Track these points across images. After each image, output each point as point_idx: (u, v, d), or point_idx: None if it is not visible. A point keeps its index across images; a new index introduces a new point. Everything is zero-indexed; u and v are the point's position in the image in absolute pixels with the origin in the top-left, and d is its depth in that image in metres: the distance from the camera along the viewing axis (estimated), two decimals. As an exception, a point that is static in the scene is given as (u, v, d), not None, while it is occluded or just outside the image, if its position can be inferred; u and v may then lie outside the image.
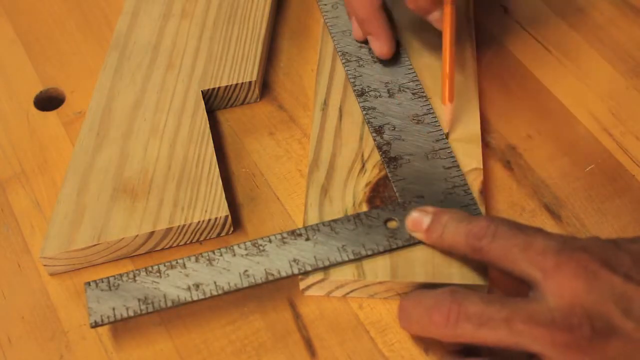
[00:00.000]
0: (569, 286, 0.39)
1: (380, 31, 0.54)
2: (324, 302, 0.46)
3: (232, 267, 0.45)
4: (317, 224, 0.46)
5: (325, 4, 0.58)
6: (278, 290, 0.47)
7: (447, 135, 0.50)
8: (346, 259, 0.45)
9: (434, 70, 0.54)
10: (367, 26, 0.54)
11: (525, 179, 0.51)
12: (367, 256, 0.45)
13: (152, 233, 0.47)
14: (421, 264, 0.45)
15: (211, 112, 0.55)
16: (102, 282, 0.44)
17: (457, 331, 0.40)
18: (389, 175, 0.49)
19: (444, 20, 0.51)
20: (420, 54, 0.55)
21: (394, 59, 0.54)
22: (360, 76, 0.53)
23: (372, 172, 0.49)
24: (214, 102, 0.55)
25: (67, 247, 0.47)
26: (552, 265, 0.39)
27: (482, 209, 0.47)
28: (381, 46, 0.54)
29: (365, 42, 0.55)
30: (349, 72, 0.54)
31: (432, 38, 0.55)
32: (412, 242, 0.45)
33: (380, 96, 0.52)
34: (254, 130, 0.54)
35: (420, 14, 0.52)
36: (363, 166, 0.50)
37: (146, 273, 0.45)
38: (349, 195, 0.48)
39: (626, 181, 0.50)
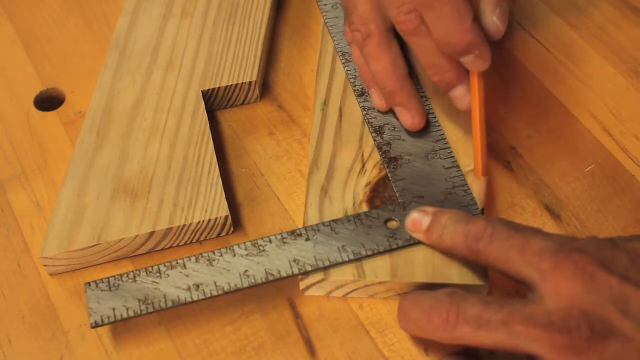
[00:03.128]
0: (566, 288, 0.39)
1: (410, 101, 0.50)
2: (324, 302, 0.46)
3: (232, 267, 0.45)
4: (317, 224, 0.46)
5: (325, 4, 0.58)
6: (278, 290, 0.47)
7: (482, 211, 0.47)
8: (346, 259, 0.45)
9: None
10: (395, 98, 0.50)
11: (525, 179, 0.51)
12: (367, 256, 0.45)
13: (152, 233, 0.47)
14: (421, 264, 0.45)
15: (211, 112, 0.55)
16: (102, 282, 0.44)
17: (455, 333, 0.40)
18: (389, 175, 0.49)
19: (472, 91, 0.47)
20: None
21: None
22: (360, 76, 0.53)
23: (372, 172, 0.49)
24: (214, 102, 0.55)
25: (67, 247, 0.47)
26: (549, 266, 0.39)
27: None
28: (412, 117, 0.50)
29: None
30: (348, 72, 0.54)
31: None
32: (412, 242, 0.45)
33: None
34: (254, 130, 0.54)
35: (443, 89, 0.48)
36: (363, 166, 0.50)
37: (146, 273, 0.45)
38: (349, 195, 0.48)
39: (626, 181, 0.50)
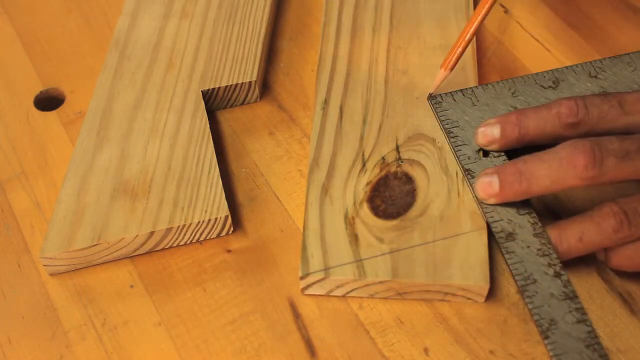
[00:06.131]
0: None
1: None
2: (324, 302, 0.46)
3: None
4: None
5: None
6: (278, 290, 0.47)
7: (429, 96, 0.51)
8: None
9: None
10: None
11: (525, 178, 0.51)
12: None
13: (152, 233, 0.47)
14: (421, 263, 0.45)
15: (211, 112, 0.55)
16: None
17: (603, 169, 0.42)
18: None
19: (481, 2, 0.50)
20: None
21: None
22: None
23: (372, 172, 0.49)
24: (214, 102, 0.55)
25: (67, 247, 0.47)
26: None
27: (483, 213, 0.47)
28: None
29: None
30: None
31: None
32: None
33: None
34: (254, 130, 0.54)
35: None
36: (364, 165, 0.50)
37: None
38: (350, 194, 0.48)
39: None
